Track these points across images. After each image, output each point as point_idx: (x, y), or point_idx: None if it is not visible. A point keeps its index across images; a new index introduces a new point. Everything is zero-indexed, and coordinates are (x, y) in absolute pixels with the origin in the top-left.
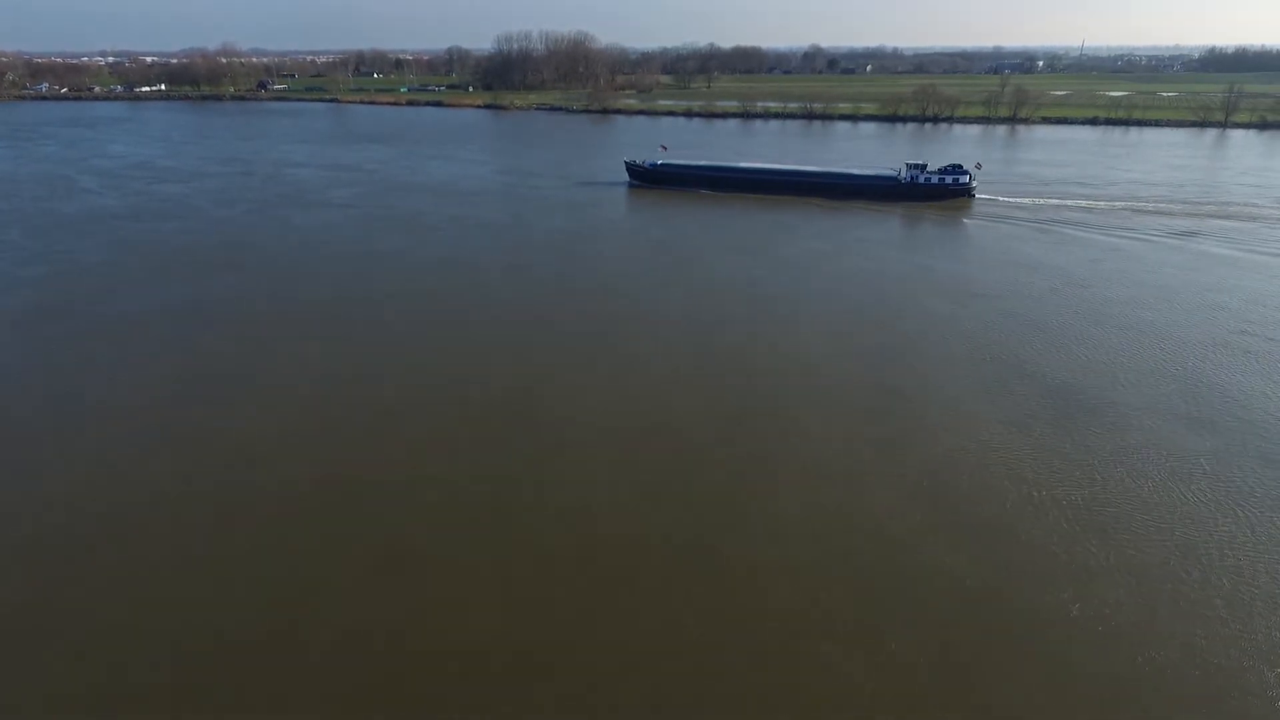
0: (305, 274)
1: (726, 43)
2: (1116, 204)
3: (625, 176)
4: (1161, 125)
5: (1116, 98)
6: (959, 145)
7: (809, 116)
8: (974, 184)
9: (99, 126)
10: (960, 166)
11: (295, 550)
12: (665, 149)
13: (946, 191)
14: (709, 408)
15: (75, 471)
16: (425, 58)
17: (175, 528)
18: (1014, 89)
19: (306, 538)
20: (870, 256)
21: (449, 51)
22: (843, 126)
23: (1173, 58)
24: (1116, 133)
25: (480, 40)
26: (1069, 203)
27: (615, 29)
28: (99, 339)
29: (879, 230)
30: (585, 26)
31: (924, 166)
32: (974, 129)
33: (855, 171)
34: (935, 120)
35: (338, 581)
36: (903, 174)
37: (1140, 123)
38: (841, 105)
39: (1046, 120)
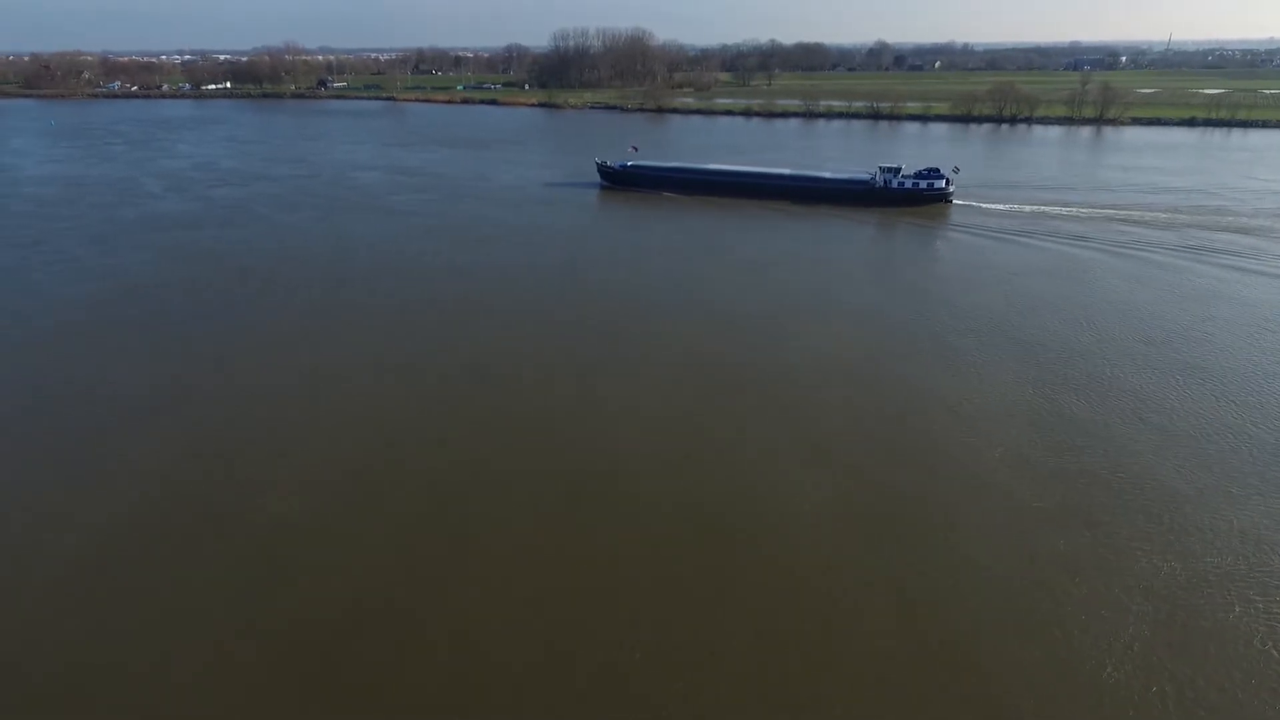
0: (369, 289)
1: (788, 39)
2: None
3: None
4: (1270, 126)
5: (1214, 96)
6: (1042, 148)
7: (875, 116)
8: (951, 189)
9: (167, 125)
10: (937, 170)
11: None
12: (636, 150)
13: (921, 197)
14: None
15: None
16: (485, 55)
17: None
18: (1100, 87)
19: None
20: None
21: (508, 49)
22: (912, 127)
23: (1270, 51)
24: (1218, 134)
25: (540, 38)
26: (1209, 218)
27: (674, 26)
28: (133, 362)
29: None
30: (644, 23)
31: (898, 170)
32: (1055, 130)
33: (827, 175)
34: (1013, 121)
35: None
36: (876, 178)
37: (1245, 123)
38: (910, 105)
39: (1137, 121)
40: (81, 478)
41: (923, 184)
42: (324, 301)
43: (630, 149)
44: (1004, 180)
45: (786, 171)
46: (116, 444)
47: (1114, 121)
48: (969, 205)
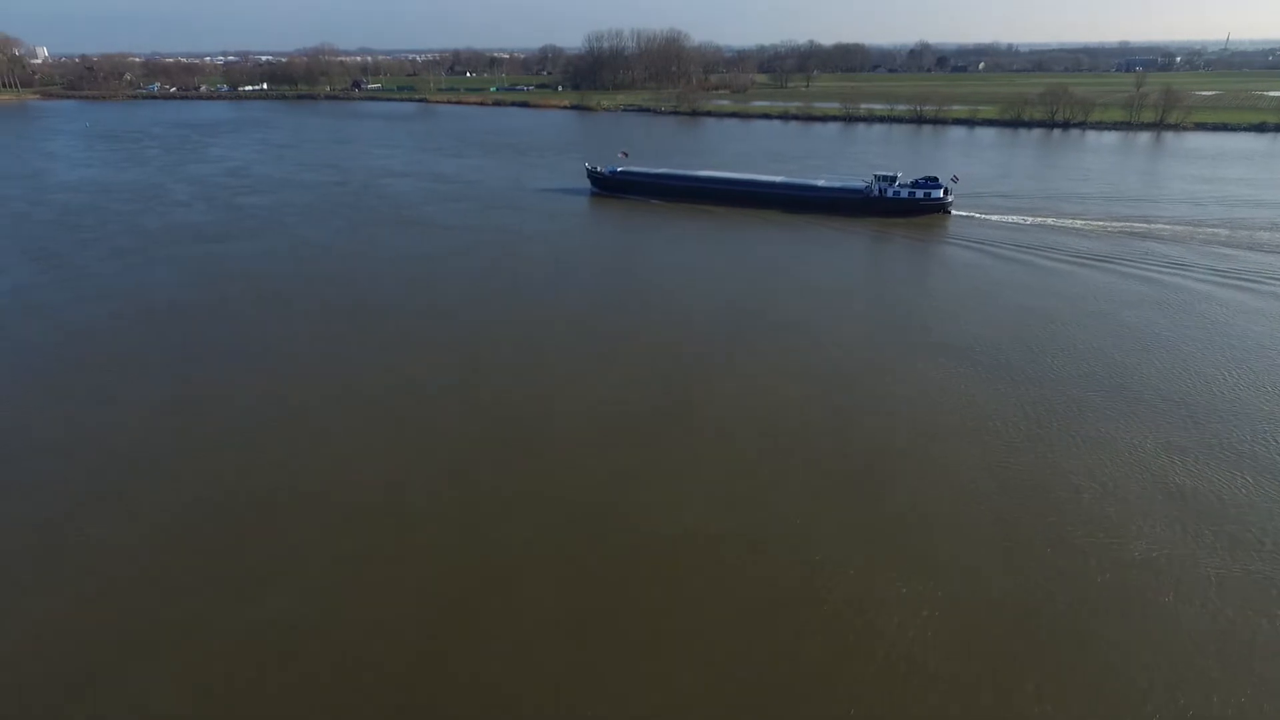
0: (393, 320)
1: (827, 39)
2: None
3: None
4: None
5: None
6: (1106, 156)
7: (919, 120)
8: (950, 199)
9: (201, 129)
10: (935, 179)
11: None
12: (625, 155)
13: (918, 207)
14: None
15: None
16: (521, 56)
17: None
18: (1159, 89)
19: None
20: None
21: (543, 50)
22: (958, 132)
23: None
24: None
25: (575, 39)
26: None
27: (710, 27)
28: (139, 381)
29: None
30: (680, 24)
31: (894, 178)
32: (1111, 136)
33: (820, 183)
34: (1065, 126)
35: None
36: (871, 186)
37: None
38: (956, 108)
39: (1200, 126)
40: (96, 496)
41: (919, 193)
42: (339, 319)
43: (619, 154)
44: (1074, 192)
45: (779, 179)
46: (123, 454)
47: (1176, 126)
48: (969, 216)
